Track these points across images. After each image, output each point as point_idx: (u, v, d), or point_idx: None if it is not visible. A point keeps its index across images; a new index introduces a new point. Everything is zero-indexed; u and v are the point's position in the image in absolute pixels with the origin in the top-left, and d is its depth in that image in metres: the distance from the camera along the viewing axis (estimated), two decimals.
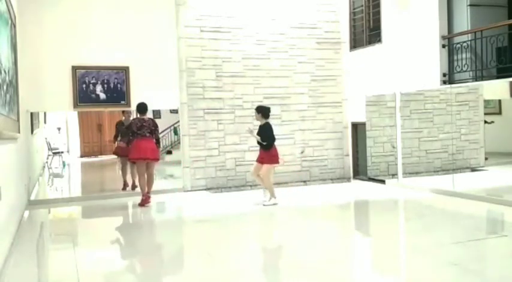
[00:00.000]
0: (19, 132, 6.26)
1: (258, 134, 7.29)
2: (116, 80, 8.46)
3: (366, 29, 9.47)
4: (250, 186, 9.00)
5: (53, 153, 14.49)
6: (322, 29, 9.61)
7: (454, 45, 7.75)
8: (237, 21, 9.03)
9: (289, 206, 7.39)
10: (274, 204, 7.22)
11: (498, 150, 8.92)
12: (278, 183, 9.11)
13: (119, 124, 9.34)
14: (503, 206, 6.65)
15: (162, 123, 12.65)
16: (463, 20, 7.70)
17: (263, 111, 7.36)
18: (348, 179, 9.76)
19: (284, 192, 8.42)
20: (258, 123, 7.48)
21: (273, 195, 7.29)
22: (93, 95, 8.37)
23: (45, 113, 12.74)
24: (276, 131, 7.46)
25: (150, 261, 4.98)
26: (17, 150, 6.25)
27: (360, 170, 9.87)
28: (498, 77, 7.22)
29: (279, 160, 7.36)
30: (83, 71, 8.28)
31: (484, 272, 4.28)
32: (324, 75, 9.63)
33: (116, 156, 9.96)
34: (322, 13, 9.63)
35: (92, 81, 8.34)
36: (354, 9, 9.78)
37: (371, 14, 9.36)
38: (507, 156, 8.31)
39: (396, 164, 8.88)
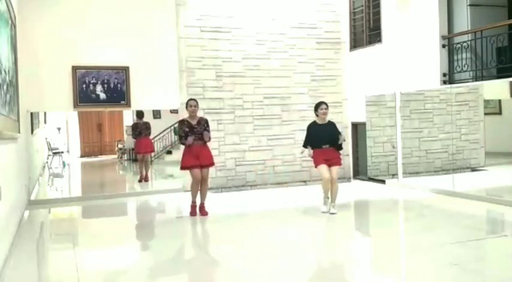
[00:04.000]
0: (19, 132, 6.26)
1: None
2: (116, 80, 8.45)
3: (366, 29, 9.47)
4: (250, 186, 9.01)
5: (53, 153, 14.52)
6: (322, 29, 9.60)
7: (454, 45, 7.76)
8: (237, 21, 9.03)
9: (289, 206, 7.39)
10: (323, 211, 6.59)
11: (498, 150, 8.91)
12: (278, 183, 9.16)
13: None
14: (503, 206, 6.65)
15: (162, 123, 12.76)
16: (463, 20, 7.70)
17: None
18: (348, 179, 9.75)
19: (284, 192, 8.44)
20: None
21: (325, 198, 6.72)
22: (93, 95, 8.37)
23: (45, 113, 12.74)
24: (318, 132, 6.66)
25: (150, 261, 4.98)
26: (17, 150, 6.25)
27: (360, 170, 9.87)
28: (498, 77, 7.22)
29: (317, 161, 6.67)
30: (83, 71, 8.28)
31: (484, 272, 4.28)
32: (324, 75, 9.63)
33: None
34: (322, 13, 9.62)
35: (92, 81, 8.34)
36: (354, 9, 9.78)
37: (371, 14, 9.36)
38: (507, 156, 8.30)
39: (396, 164, 8.88)
